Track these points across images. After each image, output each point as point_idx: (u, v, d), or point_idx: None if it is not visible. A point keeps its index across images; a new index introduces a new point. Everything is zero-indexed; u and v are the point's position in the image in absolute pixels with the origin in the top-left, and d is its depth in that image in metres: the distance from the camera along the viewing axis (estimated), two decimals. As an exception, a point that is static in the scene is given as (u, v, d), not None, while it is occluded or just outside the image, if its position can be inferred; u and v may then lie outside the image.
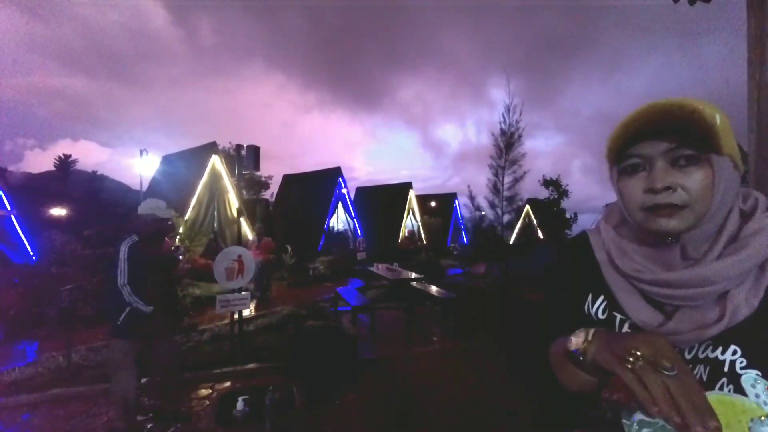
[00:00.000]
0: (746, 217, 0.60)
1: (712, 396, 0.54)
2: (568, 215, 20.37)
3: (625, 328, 0.65)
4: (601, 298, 0.70)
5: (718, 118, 0.54)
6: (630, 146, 0.61)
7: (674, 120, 0.55)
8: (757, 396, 0.51)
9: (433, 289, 6.37)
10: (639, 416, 0.47)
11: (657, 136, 0.58)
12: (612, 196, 0.71)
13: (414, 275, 6.37)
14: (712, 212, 0.57)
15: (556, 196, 19.62)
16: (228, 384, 3.81)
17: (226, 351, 4.36)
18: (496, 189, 11.62)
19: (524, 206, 20.42)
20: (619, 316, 0.66)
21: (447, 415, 3.23)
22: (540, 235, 22.20)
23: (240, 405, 2.32)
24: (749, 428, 0.48)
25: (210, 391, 3.65)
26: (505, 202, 11.65)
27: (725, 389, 0.53)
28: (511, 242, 19.50)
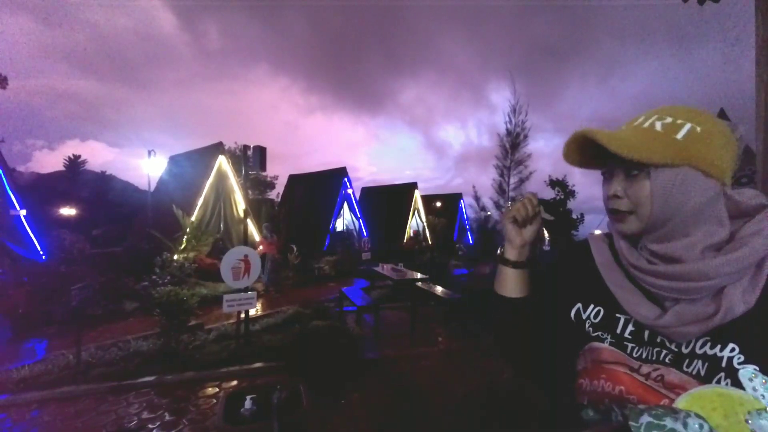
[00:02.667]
0: (748, 218, 0.62)
1: (710, 389, 0.55)
2: (574, 216, 20.25)
3: (630, 328, 0.67)
4: (592, 305, 0.74)
5: (685, 128, 0.60)
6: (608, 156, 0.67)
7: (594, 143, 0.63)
8: (755, 389, 0.52)
9: (438, 289, 6.37)
10: (647, 418, 0.47)
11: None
12: None
13: (419, 275, 6.38)
14: (654, 217, 0.62)
15: (562, 197, 19.52)
16: (234, 383, 3.84)
17: (233, 350, 4.39)
18: (501, 189, 11.59)
19: (529, 206, 20.31)
20: (622, 317, 0.68)
21: (451, 415, 3.23)
22: (546, 235, 22.08)
23: (248, 403, 2.33)
24: (746, 420, 0.49)
25: (217, 389, 3.68)
26: (510, 203, 11.62)
27: (722, 383, 0.55)
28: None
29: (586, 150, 0.69)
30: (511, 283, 0.87)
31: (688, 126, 0.60)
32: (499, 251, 0.89)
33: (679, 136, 0.60)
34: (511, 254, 0.87)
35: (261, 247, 8.63)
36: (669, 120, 0.62)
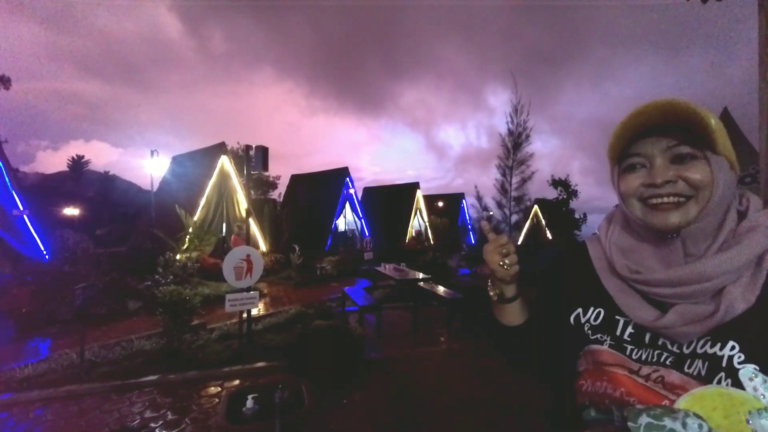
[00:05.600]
0: (741, 216, 0.63)
1: (711, 389, 0.54)
2: (577, 215, 20.22)
3: (629, 330, 0.67)
4: (592, 309, 0.73)
5: (713, 121, 0.58)
6: (630, 146, 0.65)
7: (673, 118, 0.58)
8: (755, 389, 0.52)
9: (440, 289, 6.36)
10: (646, 419, 0.47)
11: (656, 134, 0.61)
12: (614, 198, 0.72)
13: (421, 275, 6.37)
14: (712, 205, 0.59)
15: (564, 196, 19.48)
16: (237, 382, 3.85)
17: (235, 349, 4.40)
18: (503, 189, 11.58)
19: (532, 206, 20.30)
20: (622, 320, 0.68)
21: (454, 414, 3.23)
22: (549, 235, 22.05)
23: (250, 403, 2.34)
24: (747, 420, 0.49)
25: (219, 389, 3.69)
26: (513, 203, 11.60)
27: (723, 383, 0.54)
28: (518, 243, 19.34)
29: (627, 137, 0.64)
30: (509, 315, 0.87)
31: (713, 119, 0.59)
32: (491, 294, 0.88)
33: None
34: (507, 291, 0.85)
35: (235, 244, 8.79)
36: None
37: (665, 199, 0.61)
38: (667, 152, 0.61)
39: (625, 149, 0.65)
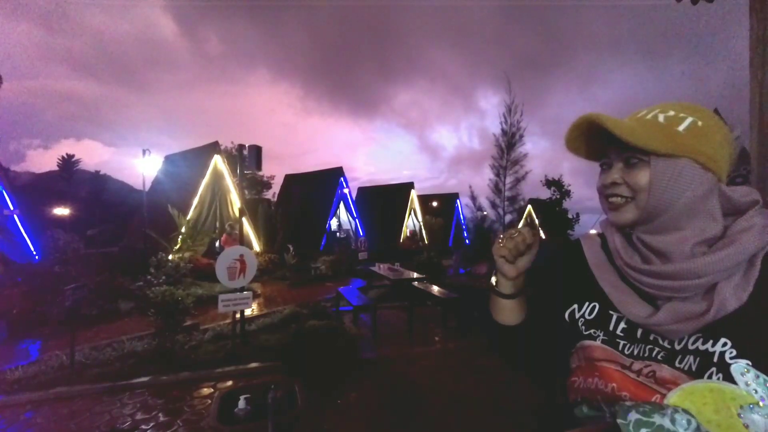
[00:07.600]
0: (739, 214, 0.62)
1: (702, 384, 0.55)
2: (570, 215, 20.36)
3: (621, 325, 0.68)
4: (587, 303, 0.74)
5: (687, 121, 0.61)
6: (606, 148, 0.68)
7: (603, 128, 0.61)
8: (747, 384, 0.53)
9: (435, 288, 6.37)
10: (635, 415, 0.47)
11: (616, 140, 0.63)
12: None
13: (416, 275, 6.37)
14: (652, 205, 0.61)
15: (558, 196, 19.60)
16: (230, 383, 3.83)
17: (228, 350, 4.38)
18: (497, 189, 11.60)
19: (526, 206, 20.39)
20: (615, 315, 0.69)
21: (448, 414, 3.23)
22: (542, 235, 22.17)
23: (242, 404, 2.32)
24: (738, 415, 0.50)
25: (212, 389, 3.67)
26: (506, 202, 11.64)
27: (714, 378, 0.55)
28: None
29: (587, 138, 0.69)
30: (506, 313, 0.85)
31: (689, 119, 0.61)
32: (492, 281, 0.85)
33: (681, 128, 0.60)
34: (504, 287, 0.83)
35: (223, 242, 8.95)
36: (672, 113, 0.62)
37: (611, 199, 0.67)
38: (621, 156, 0.65)
39: (603, 151, 0.69)
